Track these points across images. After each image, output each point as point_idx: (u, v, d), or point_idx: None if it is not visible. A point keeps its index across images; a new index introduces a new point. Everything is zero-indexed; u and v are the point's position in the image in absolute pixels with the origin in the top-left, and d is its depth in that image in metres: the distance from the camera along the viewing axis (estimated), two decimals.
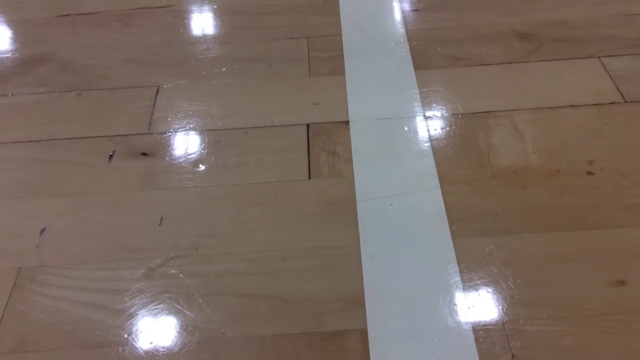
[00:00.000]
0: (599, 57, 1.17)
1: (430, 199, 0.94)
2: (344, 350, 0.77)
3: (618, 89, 1.10)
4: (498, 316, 0.80)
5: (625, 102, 1.08)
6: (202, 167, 1.02)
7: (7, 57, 1.28)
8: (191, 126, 1.09)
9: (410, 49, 1.23)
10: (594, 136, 1.02)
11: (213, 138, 1.07)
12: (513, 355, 0.76)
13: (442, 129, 1.06)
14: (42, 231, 0.93)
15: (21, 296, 0.85)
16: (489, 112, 1.08)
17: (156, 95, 1.16)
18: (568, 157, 0.99)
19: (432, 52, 1.22)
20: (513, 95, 1.11)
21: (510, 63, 1.18)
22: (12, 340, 0.81)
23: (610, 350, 0.76)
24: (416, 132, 1.05)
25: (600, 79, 1.13)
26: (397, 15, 1.32)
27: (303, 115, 1.10)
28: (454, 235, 0.89)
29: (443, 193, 0.95)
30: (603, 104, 1.08)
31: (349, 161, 1.01)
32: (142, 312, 0.83)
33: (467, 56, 1.20)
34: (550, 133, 1.03)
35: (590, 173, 0.96)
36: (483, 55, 1.20)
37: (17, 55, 1.29)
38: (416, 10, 1.34)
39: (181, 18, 1.36)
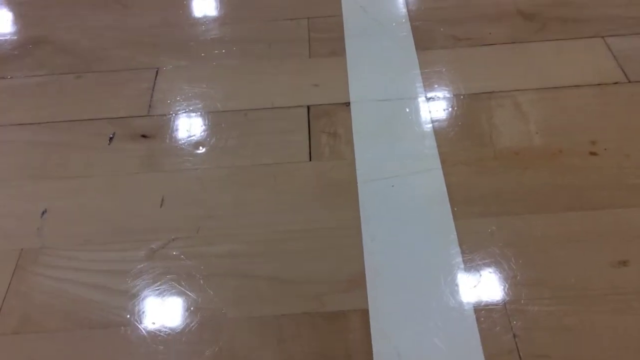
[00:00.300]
0: (602, 37, 1.16)
1: (431, 180, 0.94)
2: (345, 330, 0.78)
3: (622, 69, 1.09)
4: (499, 296, 0.80)
5: (629, 82, 1.07)
6: (202, 149, 1.01)
7: (5, 40, 1.27)
8: (191, 108, 1.09)
9: (412, 29, 1.21)
10: (597, 116, 1.02)
11: (213, 120, 1.06)
12: (514, 335, 0.76)
13: (443, 110, 1.05)
14: (43, 213, 0.93)
15: (23, 278, 0.86)
16: (491, 92, 1.07)
17: (156, 77, 1.15)
18: (571, 138, 0.99)
19: (434, 32, 1.21)
20: (516, 76, 1.10)
21: (513, 43, 1.17)
22: (15, 321, 0.81)
23: (612, 330, 0.76)
24: (418, 113, 1.04)
25: (604, 58, 1.12)
26: None
27: (303, 97, 1.09)
28: (456, 216, 0.89)
29: (444, 174, 0.94)
30: (607, 84, 1.07)
31: (350, 143, 1.00)
32: (144, 293, 0.83)
33: (470, 36, 1.19)
34: (553, 113, 1.03)
35: (593, 153, 0.96)
36: (486, 35, 1.19)
37: (15, 37, 1.28)
38: None
39: None
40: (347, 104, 1.07)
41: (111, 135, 1.04)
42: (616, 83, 1.07)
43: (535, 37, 1.18)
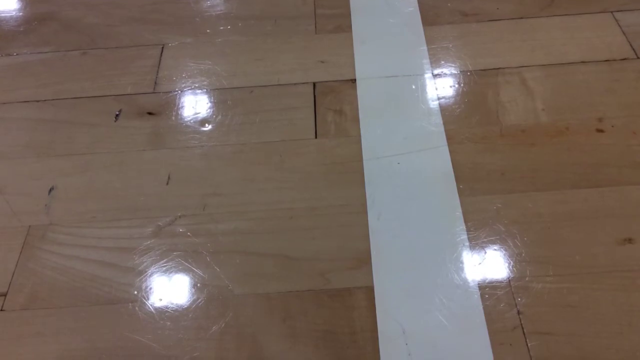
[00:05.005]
0: (611, 12, 1.15)
1: (437, 158, 0.94)
2: (350, 307, 0.78)
3: (630, 45, 1.08)
4: (504, 274, 0.80)
5: (638, 58, 1.06)
6: (208, 127, 1.01)
7: (11, 17, 1.27)
8: (197, 85, 1.08)
9: (418, 5, 1.20)
10: (604, 93, 1.01)
11: (219, 97, 1.06)
12: (519, 312, 0.76)
13: (450, 86, 1.04)
14: (50, 190, 0.94)
15: (31, 254, 0.86)
16: (498, 69, 1.06)
17: (161, 53, 1.15)
18: (578, 115, 0.98)
19: (441, 8, 1.20)
20: (523, 52, 1.09)
21: (520, 18, 1.16)
22: (23, 297, 0.82)
23: (616, 307, 0.76)
24: (424, 90, 1.04)
25: (612, 34, 1.10)
26: None
27: (309, 74, 1.09)
28: (461, 193, 0.89)
29: (450, 152, 0.94)
30: (615, 60, 1.06)
31: (356, 120, 1.00)
32: (151, 269, 0.84)
33: (477, 11, 1.18)
34: (560, 90, 1.02)
35: (600, 130, 0.95)
36: (493, 10, 1.18)
37: (20, 14, 1.27)
38: None
39: None
40: (353, 81, 1.06)
41: (117, 113, 1.04)
42: (624, 59, 1.06)
43: (543, 12, 1.16)
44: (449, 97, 1.03)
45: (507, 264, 0.81)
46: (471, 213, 0.86)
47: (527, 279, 0.79)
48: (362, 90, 1.05)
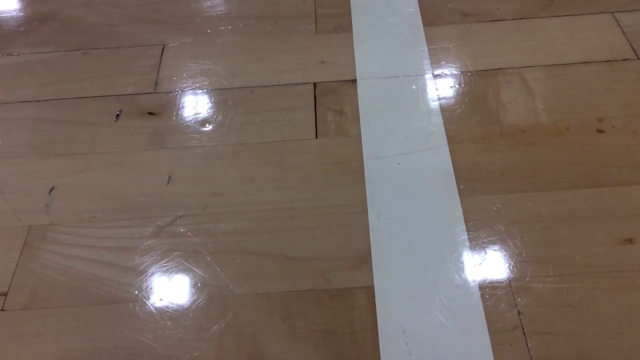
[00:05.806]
0: (612, 13, 1.15)
1: (437, 158, 0.94)
2: (350, 307, 0.78)
3: (631, 45, 1.08)
4: (505, 274, 0.80)
5: (638, 58, 1.06)
6: (208, 127, 1.01)
7: (11, 16, 1.27)
8: (197, 85, 1.08)
9: (419, 5, 1.20)
10: (605, 93, 1.01)
11: (219, 97, 1.06)
12: (519, 312, 0.76)
13: (450, 87, 1.04)
14: (50, 190, 0.94)
15: (32, 254, 0.86)
16: (499, 69, 1.06)
17: (162, 53, 1.15)
18: (578, 115, 0.98)
19: (442, 8, 1.20)
20: (523, 52, 1.09)
21: (521, 19, 1.16)
22: (24, 297, 0.82)
23: (616, 307, 0.76)
24: (424, 91, 1.04)
25: (613, 35, 1.10)
26: None
27: (310, 74, 1.09)
28: (461, 193, 0.89)
29: (451, 152, 0.94)
30: (615, 60, 1.06)
31: (356, 120, 1.00)
32: (152, 269, 0.84)
33: (478, 12, 1.18)
34: (560, 90, 1.02)
35: (600, 131, 0.95)
36: (494, 10, 1.18)
37: (21, 14, 1.27)
38: None
39: None
40: (354, 81, 1.06)
41: (118, 112, 1.04)
42: (625, 60, 1.06)
43: (543, 12, 1.16)
44: (450, 98, 1.03)
45: (507, 264, 0.81)
46: (471, 213, 0.86)
47: (527, 279, 0.79)
48: (363, 90, 1.05)
